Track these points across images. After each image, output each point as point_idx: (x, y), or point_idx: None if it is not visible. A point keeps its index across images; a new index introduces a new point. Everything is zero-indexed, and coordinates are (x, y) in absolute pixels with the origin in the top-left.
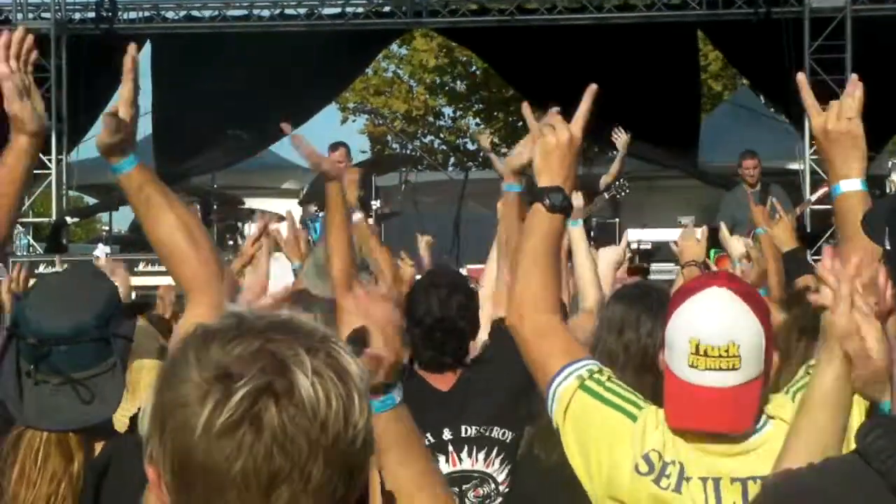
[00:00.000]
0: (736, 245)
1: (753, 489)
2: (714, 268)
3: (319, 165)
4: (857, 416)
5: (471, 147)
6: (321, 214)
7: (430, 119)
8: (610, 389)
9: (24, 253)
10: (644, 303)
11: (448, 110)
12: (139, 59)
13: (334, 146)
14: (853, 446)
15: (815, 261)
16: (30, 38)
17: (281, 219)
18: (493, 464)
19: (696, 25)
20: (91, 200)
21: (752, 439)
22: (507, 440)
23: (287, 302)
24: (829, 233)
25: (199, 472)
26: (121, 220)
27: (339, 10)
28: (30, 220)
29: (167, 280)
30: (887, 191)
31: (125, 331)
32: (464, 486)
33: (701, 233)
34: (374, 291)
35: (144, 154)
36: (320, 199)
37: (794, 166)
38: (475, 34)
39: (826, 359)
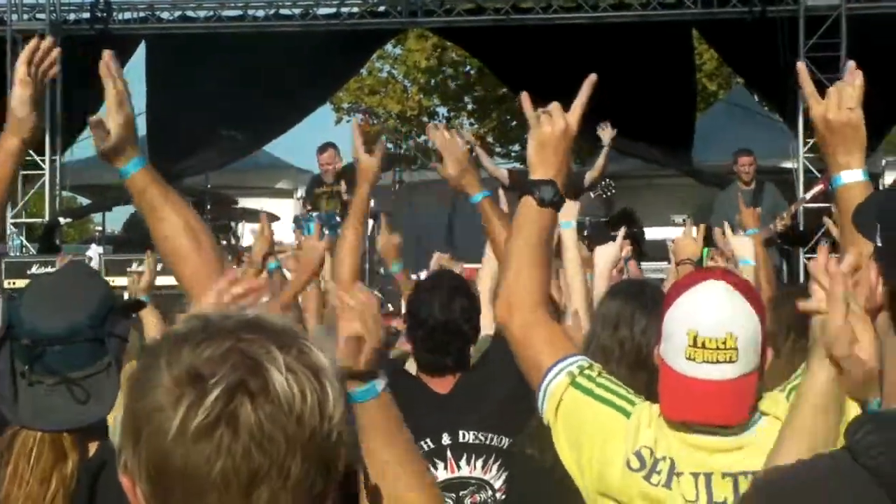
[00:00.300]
0: (738, 243)
1: (745, 484)
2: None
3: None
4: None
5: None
6: (314, 214)
7: (425, 119)
8: (601, 385)
9: (17, 253)
10: (639, 300)
11: (442, 110)
12: (114, 63)
13: (322, 147)
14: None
15: (809, 259)
16: (55, 53)
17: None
18: (490, 470)
19: (691, 24)
20: (84, 201)
21: (745, 435)
22: (505, 447)
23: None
24: (821, 231)
25: (177, 477)
26: (114, 220)
27: (334, 10)
28: (23, 220)
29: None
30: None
31: (120, 330)
32: (461, 493)
33: (697, 231)
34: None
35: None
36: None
37: (788, 165)
38: (470, 34)
39: (818, 360)
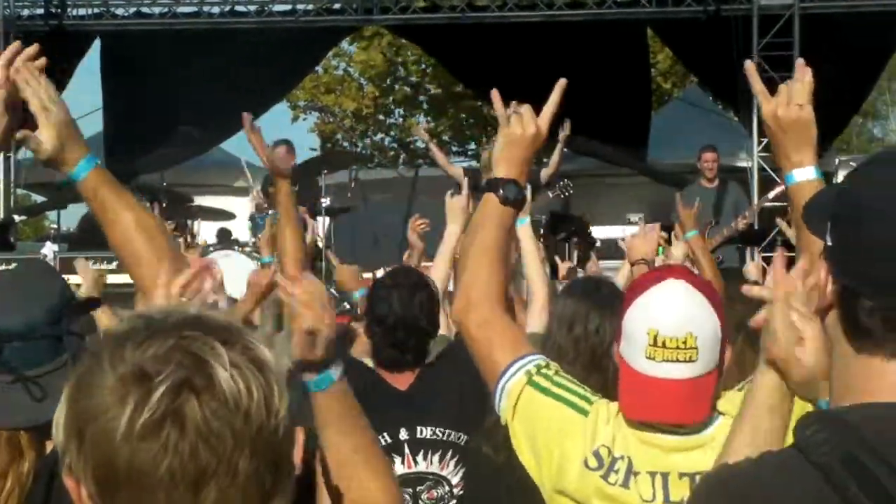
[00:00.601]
0: (675, 250)
1: None
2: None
3: (269, 162)
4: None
5: (420, 145)
6: (270, 211)
7: (381, 117)
8: (558, 384)
9: None
10: (594, 298)
11: (399, 109)
12: (29, 71)
13: (276, 144)
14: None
15: (766, 258)
16: (42, 61)
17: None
18: (447, 466)
19: (645, 23)
20: (39, 198)
21: (702, 434)
22: (463, 443)
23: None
24: (776, 230)
25: (123, 476)
26: (69, 218)
27: (289, 6)
28: None
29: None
30: None
31: (78, 328)
32: (418, 488)
33: (652, 232)
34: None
35: (96, 151)
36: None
37: (742, 164)
38: (425, 31)
39: (763, 364)
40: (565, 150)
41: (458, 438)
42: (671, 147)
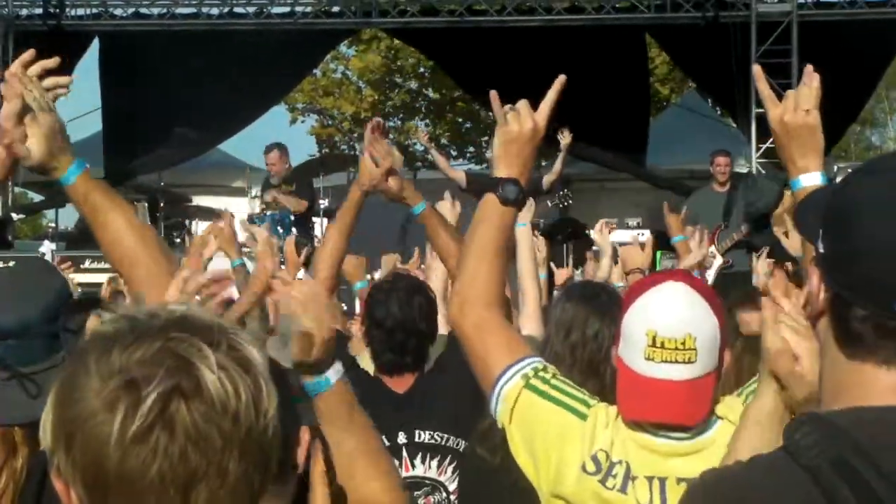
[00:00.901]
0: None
1: None
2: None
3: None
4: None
5: (419, 148)
6: (268, 214)
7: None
8: (556, 387)
9: None
10: (594, 303)
11: (397, 113)
12: (23, 77)
13: (268, 148)
14: None
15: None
16: (64, 80)
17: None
18: (445, 472)
19: (644, 29)
20: (36, 197)
21: (700, 439)
22: (461, 449)
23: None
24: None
25: (114, 481)
26: (67, 216)
27: (288, 9)
28: None
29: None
30: None
31: (74, 326)
32: (415, 493)
33: (647, 241)
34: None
35: (94, 151)
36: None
37: (741, 169)
38: (424, 35)
39: (766, 377)
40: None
41: (457, 444)
42: (670, 152)
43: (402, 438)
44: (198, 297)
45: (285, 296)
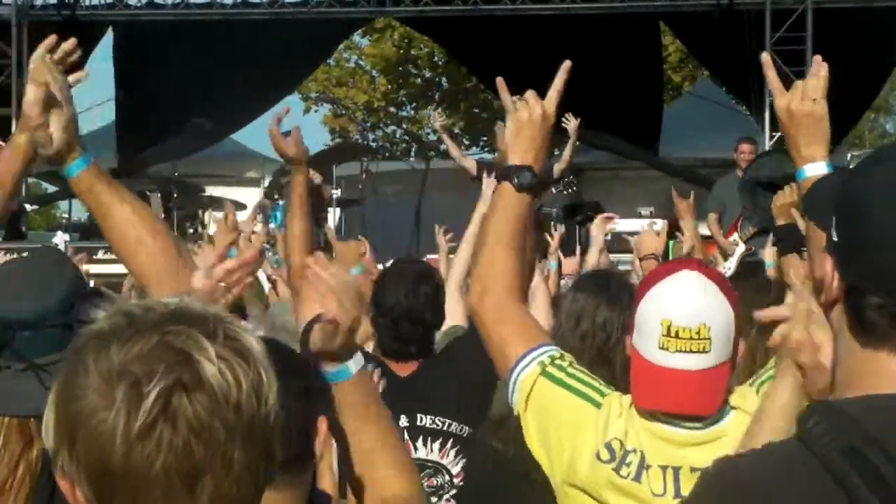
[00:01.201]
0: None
1: None
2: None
3: (284, 151)
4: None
5: (432, 137)
6: (280, 203)
7: (392, 110)
8: (572, 375)
9: None
10: (604, 293)
11: (410, 102)
12: (52, 65)
13: (284, 135)
14: None
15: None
16: (74, 55)
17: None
18: (447, 455)
19: (658, 16)
20: (50, 188)
21: (714, 429)
22: (465, 434)
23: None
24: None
25: (119, 477)
26: (80, 208)
27: None
28: None
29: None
30: None
31: (89, 316)
32: None
33: (661, 226)
34: (322, 260)
35: (108, 141)
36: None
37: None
38: (438, 23)
39: (782, 369)
40: (578, 142)
41: (460, 429)
42: (683, 141)
43: (403, 421)
44: (222, 284)
45: (317, 280)
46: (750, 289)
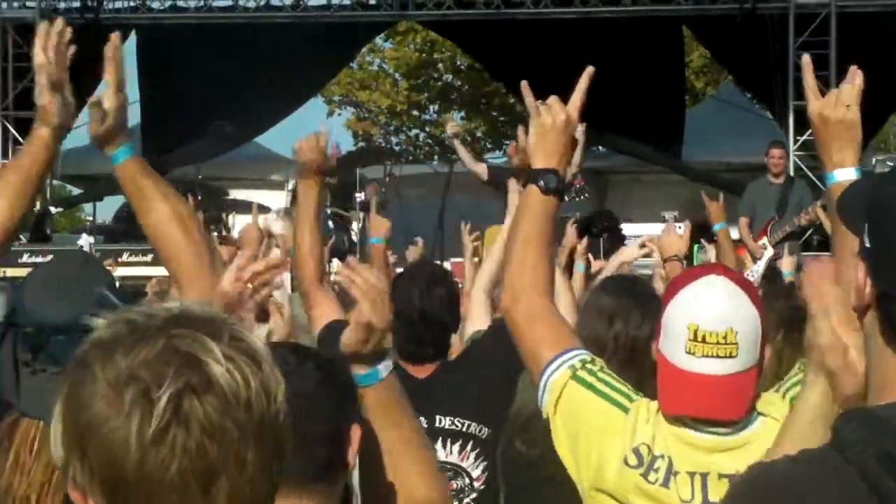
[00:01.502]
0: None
1: None
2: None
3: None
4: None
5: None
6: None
7: (415, 113)
8: (602, 380)
9: None
10: (634, 296)
11: (433, 105)
12: (121, 47)
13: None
14: None
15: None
16: (68, 31)
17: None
18: (467, 458)
19: (681, 20)
20: (75, 190)
21: (742, 435)
22: (484, 436)
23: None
24: (810, 230)
25: (133, 484)
26: (105, 210)
27: (324, 1)
28: None
29: (152, 270)
30: None
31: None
32: None
33: (683, 228)
34: (355, 264)
35: (134, 144)
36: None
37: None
38: (460, 27)
39: (812, 374)
40: (601, 147)
41: (480, 431)
42: (705, 145)
43: (422, 423)
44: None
45: (348, 282)
46: (775, 293)
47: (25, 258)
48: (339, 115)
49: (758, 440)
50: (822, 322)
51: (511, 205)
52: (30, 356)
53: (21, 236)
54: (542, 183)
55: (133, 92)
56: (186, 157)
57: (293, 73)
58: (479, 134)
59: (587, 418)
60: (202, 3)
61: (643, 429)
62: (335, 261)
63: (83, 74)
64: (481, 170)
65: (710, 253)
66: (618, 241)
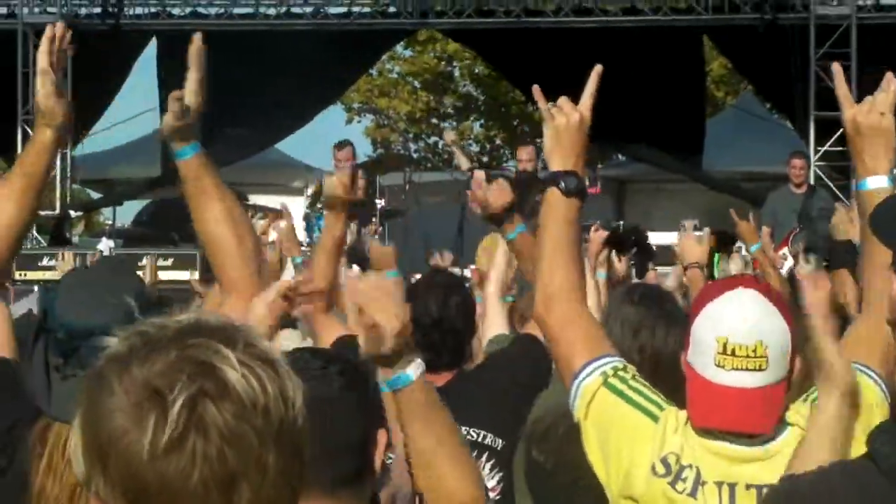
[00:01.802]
0: (732, 265)
1: None
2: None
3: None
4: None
5: (475, 148)
6: (325, 213)
7: (434, 120)
8: (633, 388)
9: (28, 245)
10: (661, 307)
11: (451, 111)
12: (203, 49)
13: (341, 144)
14: None
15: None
16: (68, 35)
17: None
18: (483, 468)
19: (701, 30)
20: (94, 194)
21: (770, 445)
22: (499, 447)
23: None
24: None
25: (156, 494)
26: (124, 214)
27: (345, 9)
28: None
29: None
30: None
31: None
32: None
33: (704, 236)
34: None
35: (152, 149)
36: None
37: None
38: (480, 36)
39: (825, 388)
40: (622, 156)
41: (494, 442)
42: (726, 155)
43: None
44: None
45: (352, 289)
46: (795, 303)
47: (45, 261)
48: (359, 122)
49: (786, 450)
50: (822, 340)
51: None
52: (61, 361)
53: (41, 239)
54: (562, 185)
55: (153, 98)
56: None
57: (313, 80)
58: (498, 142)
59: (617, 425)
60: (223, 10)
61: (672, 438)
62: (354, 266)
63: (104, 79)
64: (479, 177)
65: (734, 264)
66: (647, 256)
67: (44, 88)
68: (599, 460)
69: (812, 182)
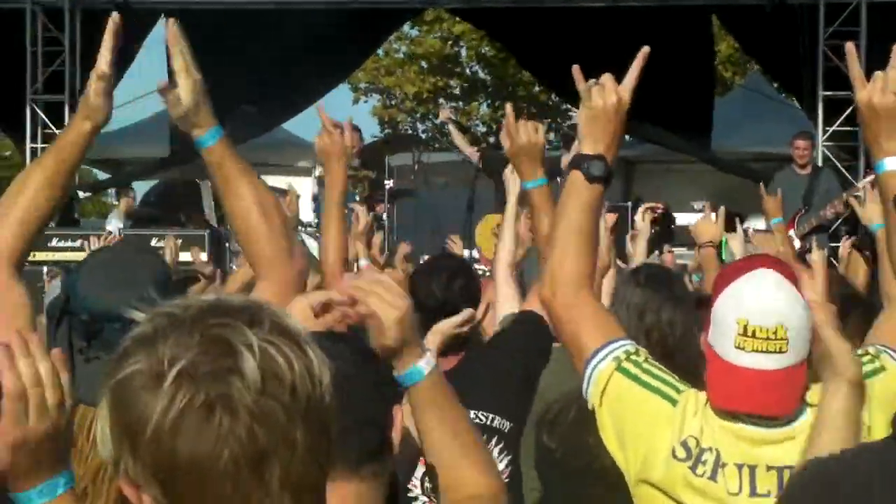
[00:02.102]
0: (732, 243)
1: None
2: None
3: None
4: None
5: (481, 129)
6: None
7: (441, 101)
8: (648, 371)
9: None
10: (668, 289)
11: (458, 92)
12: (178, 30)
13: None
14: None
15: (834, 248)
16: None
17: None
18: (491, 452)
19: (710, 10)
20: (101, 175)
21: (790, 427)
22: (507, 430)
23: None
24: (839, 220)
25: (185, 473)
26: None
27: None
28: None
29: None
30: None
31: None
32: None
33: (718, 215)
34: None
35: (160, 129)
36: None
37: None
38: (488, 14)
39: (832, 378)
40: (630, 137)
41: (502, 425)
42: (734, 135)
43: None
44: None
45: (347, 284)
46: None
47: (55, 242)
48: (366, 101)
49: (806, 432)
50: (827, 332)
51: (510, 191)
52: (85, 344)
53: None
54: (587, 168)
55: (161, 77)
56: None
57: (320, 59)
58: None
59: (633, 410)
60: None
61: (691, 421)
62: (362, 261)
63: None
64: (472, 154)
65: (734, 243)
66: (667, 237)
67: (97, 85)
68: (617, 446)
69: (819, 162)
